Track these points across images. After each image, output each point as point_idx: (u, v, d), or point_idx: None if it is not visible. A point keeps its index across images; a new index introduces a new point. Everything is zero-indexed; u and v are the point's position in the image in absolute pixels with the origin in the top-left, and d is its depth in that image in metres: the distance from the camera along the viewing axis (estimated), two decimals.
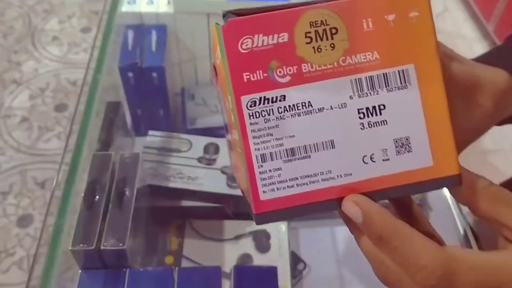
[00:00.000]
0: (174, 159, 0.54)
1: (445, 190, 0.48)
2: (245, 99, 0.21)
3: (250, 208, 0.23)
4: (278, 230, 0.51)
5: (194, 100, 0.66)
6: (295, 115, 0.22)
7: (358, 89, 0.22)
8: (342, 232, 0.53)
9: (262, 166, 0.22)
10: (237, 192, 0.51)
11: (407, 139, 0.22)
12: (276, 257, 0.49)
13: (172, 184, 0.51)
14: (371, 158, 0.22)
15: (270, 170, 0.22)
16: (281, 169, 0.22)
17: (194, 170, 0.53)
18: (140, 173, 0.44)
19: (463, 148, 0.28)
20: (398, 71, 0.22)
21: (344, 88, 0.22)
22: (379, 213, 0.21)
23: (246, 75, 0.21)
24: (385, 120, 0.22)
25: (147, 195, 0.51)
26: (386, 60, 0.22)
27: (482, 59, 0.29)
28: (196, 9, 0.60)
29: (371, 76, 0.22)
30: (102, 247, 0.38)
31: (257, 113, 0.21)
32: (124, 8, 0.60)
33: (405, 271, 0.20)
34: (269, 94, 0.21)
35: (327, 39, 0.21)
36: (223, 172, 0.53)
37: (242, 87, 0.21)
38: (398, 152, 0.22)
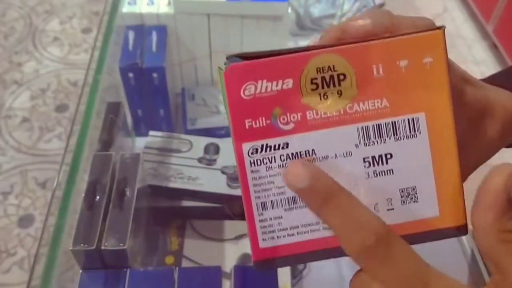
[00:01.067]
0: (175, 159, 0.54)
1: None
2: (246, 146, 0.21)
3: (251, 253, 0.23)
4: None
5: (195, 100, 0.66)
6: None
7: (364, 137, 0.21)
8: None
9: (262, 214, 0.21)
10: (237, 192, 0.52)
11: (413, 189, 0.22)
12: None
13: (172, 184, 0.52)
14: (374, 207, 0.21)
15: (270, 219, 0.21)
16: (281, 217, 0.21)
17: (194, 170, 0.53)
18: (141, 173, 0.44)
19: (471, 173, 0.27)
20: (408, 119, 0.21)
21: (350, 136, 0.21)
22: (325, 174, 0.20)
23: (248, 122, 0.21)
24: (392, 170, 0.21)
25: (148, 195, 0.51)
26: (395, 108, 0.21)
27: (492, 81, 0.29)
28: (196, 10, 0.60)
29: (379, 124, 0.21)
30: (102, 247, 0.38)
31: (258, 161, 0.21)
32: (125, 8, 0.60)
33: (343, 230, 0.19)
34: (272, 141, 0.21)
35: (334, 85, 0.21)
36: (223, 172, 0.53)
37: (243, 133, 0.21)
38: (404, 202, 0.22)
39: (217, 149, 0.55)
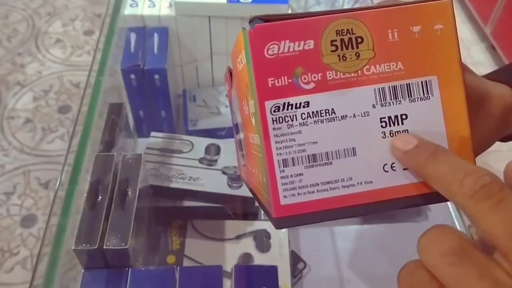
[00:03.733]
0: (176, 160, 0.54)
1: None
2: (269, 104, 0.21)
3: (268, 213, 0.23)
4: (279, 230, 0.52)
5: (196, 101, 0.67)
6: (318, 121, 0.22)
7: (381, 98, 0.22)
8: (342, 231, 0.53)
9: (283, 171, 0.22)
10: (238, 192, 0.52)
11: None
12: (277, 256, 0.50)
13: (173, 185, 0.52)
14: (391, 166, 0.22)
15: (291, 175, 0.22)
16: (302, 174, 0.22)
17: (195, 170, 0.53)
18: (142, 174, 0.45)
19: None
20: (422, 81, 0.22)
21: (367, 97, 0.22)
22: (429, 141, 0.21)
23: (271, 81, 0.21)
24: (407, 130, 0.22)
25: (149, 196, 0.51)
26: (409, 70, 0.22)
27: (489, 76, 0.30)
28: (197, 12, 0.60)
29: (394, 85, 0.22)
30: (104, 247, 0.38)
31: (280, 118, 0.22)
32: (127, 11, 0.61)
33: (455, 175, 0.19)
34: (293, 100, 0.22)
35: (352, 48, 0.22)
36: (224, 172, 0.53)
37: (266, 92, 0.21)
38: None
39: (218, 150, 0.56)
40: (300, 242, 0.53)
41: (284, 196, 0.22)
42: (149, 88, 0.58)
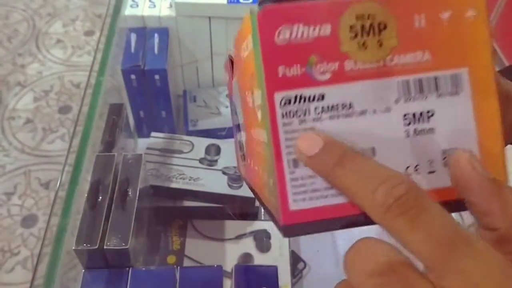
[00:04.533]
0: (176, 160, 0.55)
1: None
2: (279, 95, 0.19)
3: (275, 219, 0.20)
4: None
5: (196, 102, 0.67)
6: (333, 117, 0.19)
7: (405, 92, 0.19)
8: (342, 231, 0.53)
9: (294, 172, 0.19)
10: (238, 192, 0.52)
11: None
12: (277, 256, 0.50)
13: (174, 185, 0.52)
14: (415, 169, 0.20)
15: (302, 177, 0.19)
16: (315, 176, 0.19)
17: (195, 171, 0.53)
18: (143, 174, 0.45)
19: None
20: (451, 75, 0.19)
21: (390, 90, 0.19)
22: (339, 141, 0.19)
23: (282, 69, 0.19)
24: (433, 128, 0.20)
25: (150, 196, 0.51)
26: (437, 62, 0.19)
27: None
28: (197, 13, 0.60)
29: (420, 78, 0.19)
30: (105, 247, 0.38)
31: (291, 112, 0.19)
32: (127, 11, 0.61)
33: (363, 187, 0.17)
34: (307, 91, 0.19)
35: (374, 34, 0.19)
36: (224, 173, 0.53)
37: (276, 82, 0.19)
38: (446, 164, 0.20)
39: (218, 150, 0.56)
40: (300, 242, 0.53)
41: (294, 200, 0.19)
42: (150, 88, 0.58)
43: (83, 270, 0.40)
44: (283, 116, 0.19)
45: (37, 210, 1.23)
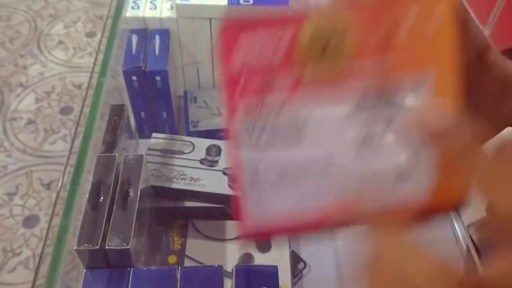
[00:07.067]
0: (177, 160, 0.55)
1: None
2: (240, 104, 0.19)
3: (239, 226, 0.21)
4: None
5: (197, 103, 0.67)
6: (294, 125, 0.19)
7: (365, 98, 0.19)
8: (342, 231, 0.53)
9: (254, 180, 0.20)
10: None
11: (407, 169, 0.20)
12: (277, 256, 0.50)
13: (175, 185, 0.52)
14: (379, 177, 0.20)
15: (263, 182, 0.19)
16: (276, 182, 0.19)
17: (196, 171, 0.54)
18: (144, 175, 0.45)
19: (492, 136, 0.27)
20: (415, 78, 0.19)
21: (351, 98, 0.19)
22: None
23: (244, 78, 0.19)
24: (396, 136, 0.19)
25: (151, 196, 0.51)
26: (401, 65, 0.19)
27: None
28: (198, 14, 0.61)
29: (381, 84, 0.19)
30: (106, 247, 0.38)
31: (253, 120, 0.19)
32: (128, 13, 0.61)
33: None
34: (268, 100, 0.19)
35: (335, 42, 0.19)
36: (225, 173, 0.54)
37: (239, 90, 0.19)
38: (399, 180, 0.20)
39: (218, 151, 0.56)
40: (300, 242, 0.54)
41: (253, 208, 0.20)
42: (151, 89, 0.59)
43: (85, 270, 0.40)
44: (245, 123, 0.19)
45: (38, 210, 1.23)
